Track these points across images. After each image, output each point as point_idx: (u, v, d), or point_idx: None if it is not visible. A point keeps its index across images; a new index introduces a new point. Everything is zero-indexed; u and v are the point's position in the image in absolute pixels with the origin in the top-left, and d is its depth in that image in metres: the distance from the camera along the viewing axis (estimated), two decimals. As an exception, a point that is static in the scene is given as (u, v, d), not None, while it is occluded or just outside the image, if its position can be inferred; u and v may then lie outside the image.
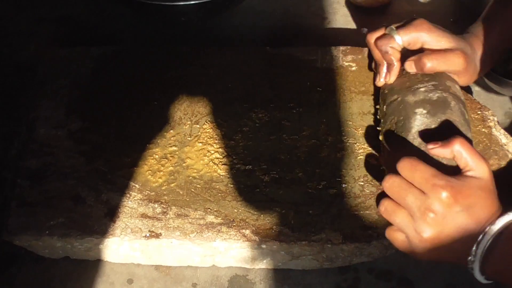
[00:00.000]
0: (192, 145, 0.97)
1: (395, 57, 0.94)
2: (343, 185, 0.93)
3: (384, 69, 0.96)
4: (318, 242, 0.88)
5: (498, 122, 0.99)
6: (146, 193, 0.92)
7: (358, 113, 1.01)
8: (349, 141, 0.97)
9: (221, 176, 0.94)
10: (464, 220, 0.75)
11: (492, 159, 0.95)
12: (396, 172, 0.79)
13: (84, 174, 0.95)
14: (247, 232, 0.89)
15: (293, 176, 0.94)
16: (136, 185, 0.93)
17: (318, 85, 1.04)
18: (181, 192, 0.92)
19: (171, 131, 0.99)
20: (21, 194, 0.92)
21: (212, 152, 0.96)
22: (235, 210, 0.91)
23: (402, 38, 0.93)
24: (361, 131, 0.98)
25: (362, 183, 0.93)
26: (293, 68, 1.06)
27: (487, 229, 0.74)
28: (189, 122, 1.00)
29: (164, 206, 0.91)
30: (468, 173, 0.77)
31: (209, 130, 0.99)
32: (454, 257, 0.78)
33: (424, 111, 0.87)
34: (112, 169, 0.95)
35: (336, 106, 1.01)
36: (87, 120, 1.00)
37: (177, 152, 0.96)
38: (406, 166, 0.78)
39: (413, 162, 0.78)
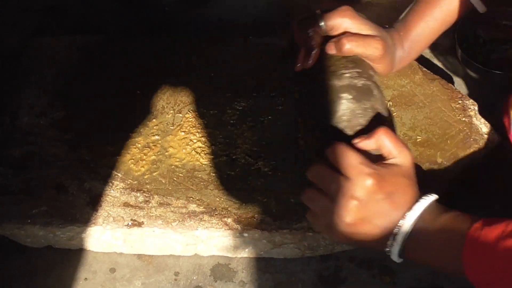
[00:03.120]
0: (174, 134, 0.97)
1: (316, 42, 0.92)
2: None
3: (302, 54, 0.94)
4: (300, 230, 0.89)
5: (478, 111, 1.00)
6: (129, 182, 0.93)
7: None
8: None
9: (204, 165, 0.94)
10: (385, 207, 0.76)
11: (472, 148, 0.95)
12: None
13: (68, 163, 0.95)
14: (229, 220, 0.89)
15: (275, 165, 0.95)
16: (119, 174, 0.93)
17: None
18: (163, 181, 0.93)
19: (154, 120, 0.99)
20: (4, 183, 0.92)
21: (195, 141, 0.97)
22: (217, 199, 0.91)
23: (325, 23, 0.92)
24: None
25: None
26: (275, 57, 1.06)
27: (406, 216, 0.76)
28: (171, 111, 1.00)
29: (147, 195, 0.92)
30: (391, 161, 0.79)
31: (191, 119, 0.99)
32: (373, 242, 0.79)
33: (350, 96, 0.87)
34: (95, 158, 0.95)
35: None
36: (71, 109, 1.01)
37: (160, 141, 0.97)
38: (335, 151, 0.79)
39: (342, 148, 0.79)
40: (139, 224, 0.89)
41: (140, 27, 1.23)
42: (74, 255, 0.95)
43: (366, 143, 0.81)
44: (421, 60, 1.04)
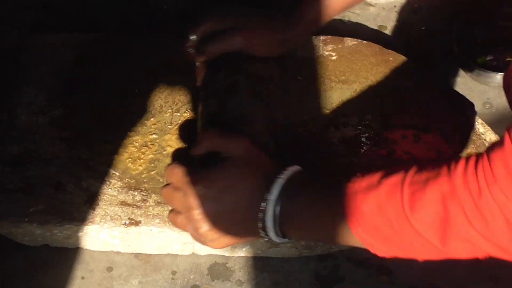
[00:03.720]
0: (172, 133, 0.97)
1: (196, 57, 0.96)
2: (322, 174, 0.93)
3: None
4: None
5: (476, 111, 1.00)
6: (126, 181, 0.93)
7: (338, 102, 1.01)
8: (329, 130, 0.98)
9: (201, 164, 0.94)
10: (231, 200, 0.77)
11: (469, 148, 0.96)
12: None
13: (65, 161, 0.94)
14: (226, 219, 0.89)
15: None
16: (116, 173, 0.93)
17: (299, 74, 1.04)
18: (161, 180, 0.93)
19: (152, 119, 0.99)
20: (1, 181, 0.92)
21: (193, 140, 0.97)
22: (215, 198, 0.91)
23: (195, 35, 0.94)
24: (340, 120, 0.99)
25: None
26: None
27: (266, 197, 0.75)
28: (169, 110, 1.00)
29: (144, 194, 0.91)
30: (224, 156, 0.80)
31: (189, 118, 0.99)
32: (247, 235, 0.80)
33: (213, 101, 0.90)
34: (93, 156, 0.95)
35: (316, 95, 1.02)
36: (69, 107, 1.00)
37: (158, 140, 0.97)
38: (166, 173, 0.82)
39: (170, 168, 0.82)
40: (137, 223, 0.89)
41: (139, 25, 1.23)
42: (71, 254, 0.95)
43: (195, 150, 0.84)
44: (421, 59, 1.04)
